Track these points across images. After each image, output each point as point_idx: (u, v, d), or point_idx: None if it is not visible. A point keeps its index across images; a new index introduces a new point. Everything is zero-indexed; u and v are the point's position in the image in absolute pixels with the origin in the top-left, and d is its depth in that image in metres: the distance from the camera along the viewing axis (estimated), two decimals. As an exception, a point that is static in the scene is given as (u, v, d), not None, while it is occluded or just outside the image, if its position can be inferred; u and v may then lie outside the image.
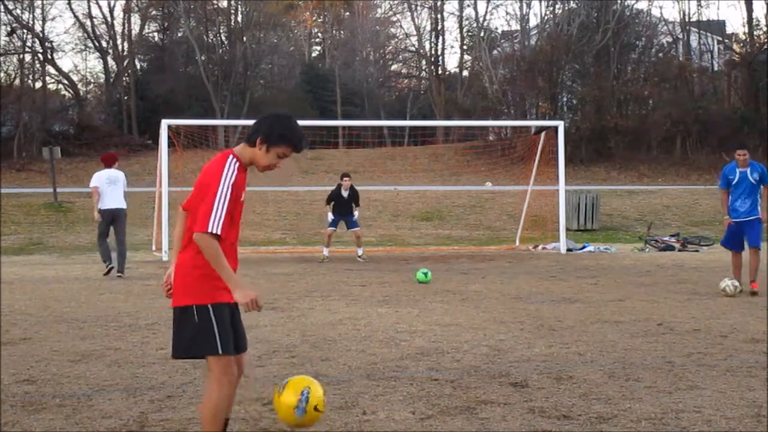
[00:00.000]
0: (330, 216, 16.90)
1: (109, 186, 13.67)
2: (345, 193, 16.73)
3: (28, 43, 43.81)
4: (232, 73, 45.17)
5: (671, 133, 37.94)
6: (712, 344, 7.34)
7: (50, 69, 45.30)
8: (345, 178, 16.88)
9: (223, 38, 48.89)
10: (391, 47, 58.21)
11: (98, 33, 46.99)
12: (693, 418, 5.03)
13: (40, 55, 44.04)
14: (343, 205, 16.76)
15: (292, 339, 7.75)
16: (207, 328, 4.15)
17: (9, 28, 42.16)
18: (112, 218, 13.76)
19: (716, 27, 45.23)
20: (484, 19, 49.07)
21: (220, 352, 4.16)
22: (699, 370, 6.31)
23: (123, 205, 13.76)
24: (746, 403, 5.35)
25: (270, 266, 15.76)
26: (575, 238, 21.28)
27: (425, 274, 12.54)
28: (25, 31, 43.01)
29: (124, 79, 46.24)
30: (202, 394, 5.66)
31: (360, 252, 16.98)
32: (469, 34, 51.27)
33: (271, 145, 4.25)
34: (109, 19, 46.25)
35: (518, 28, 46.47)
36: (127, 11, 46.05)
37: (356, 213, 16.90)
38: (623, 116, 38.70)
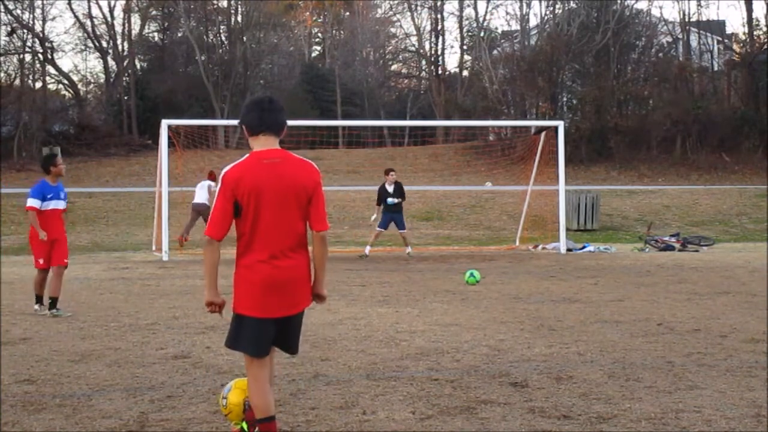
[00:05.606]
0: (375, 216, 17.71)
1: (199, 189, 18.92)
2: (390, 188, 17.51)
3: (28, 43, 43.76)
4: (232, 73, 45.15)
5: (671, 133, 37.89)
6: (712, 344, 7.34)
7: (50, 69, 45.26)
8: (391, 173, 17.76)
9: (223, 38, 48.84)
10: (391, 47, 58.17)
11: (98, 33, 46.93)
12: (693, 418, 5.03)
13: (40, 55, 44.00)
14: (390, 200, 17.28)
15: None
16: None
17: (9, 28, 42.10)
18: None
19: (716, 27, 45.17)
20: (484, 19, 49.09)
21: None
22: (699, 370, 6.31)
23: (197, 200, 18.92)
24: (746, 403, 5.35)
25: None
26: (575, 238, 21.26)
27: (473, 276, 12.05)
28: (25, 31, 42.97)
29: (124, 79, 46.18)
30: (202, 393, 5.67)
31: (408, 249, 17.78)
32: (469, 34, 51.24)
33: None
34: (109, 19, 46.19)
35: (518, 28, 46.43)
36: (127, 11, 46.00)
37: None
38: (623, 116, 38.65)
